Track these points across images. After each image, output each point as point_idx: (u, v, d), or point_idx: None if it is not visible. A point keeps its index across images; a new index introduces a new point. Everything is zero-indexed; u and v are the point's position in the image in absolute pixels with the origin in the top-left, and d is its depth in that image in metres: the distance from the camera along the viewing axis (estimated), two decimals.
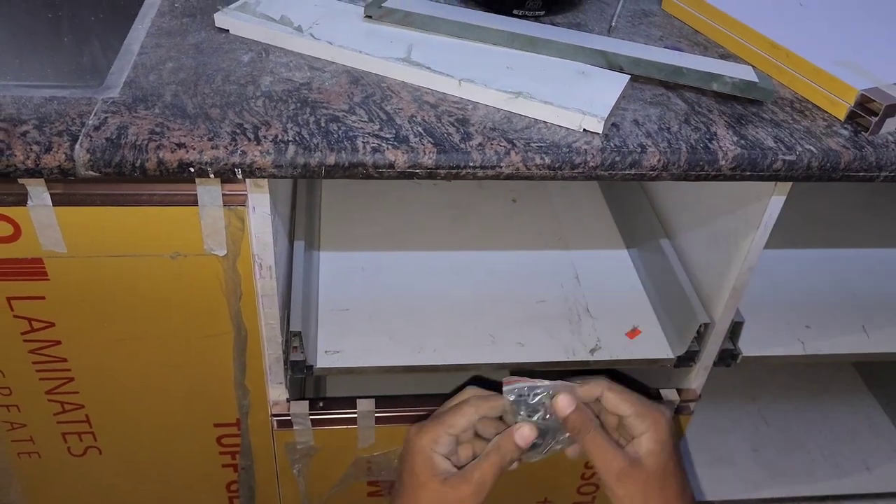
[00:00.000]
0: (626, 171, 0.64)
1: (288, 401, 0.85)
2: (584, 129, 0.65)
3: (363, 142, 0.61)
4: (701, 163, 0.65)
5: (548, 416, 0.62)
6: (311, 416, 0.85)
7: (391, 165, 0.61)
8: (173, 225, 0.66)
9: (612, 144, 0.64)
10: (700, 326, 0.85)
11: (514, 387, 0.63)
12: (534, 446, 0.62)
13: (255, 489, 0.94)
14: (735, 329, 0.87)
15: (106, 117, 0.61)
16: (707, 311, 0.85)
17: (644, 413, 0.60)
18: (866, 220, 1.16)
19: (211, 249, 0.68)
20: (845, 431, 1.25)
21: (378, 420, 0.87)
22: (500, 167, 0.62)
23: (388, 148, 0.61)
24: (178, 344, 0.76)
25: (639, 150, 0.64)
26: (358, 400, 0.86)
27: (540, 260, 1.01)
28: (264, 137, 0.61)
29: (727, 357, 0.89)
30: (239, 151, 0.59)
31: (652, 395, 0.91)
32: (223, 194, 0.65)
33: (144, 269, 0.68)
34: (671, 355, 0.89)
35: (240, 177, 0.60)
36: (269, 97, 0.66)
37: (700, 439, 1.20)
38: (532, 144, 0.63)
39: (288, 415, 0.85)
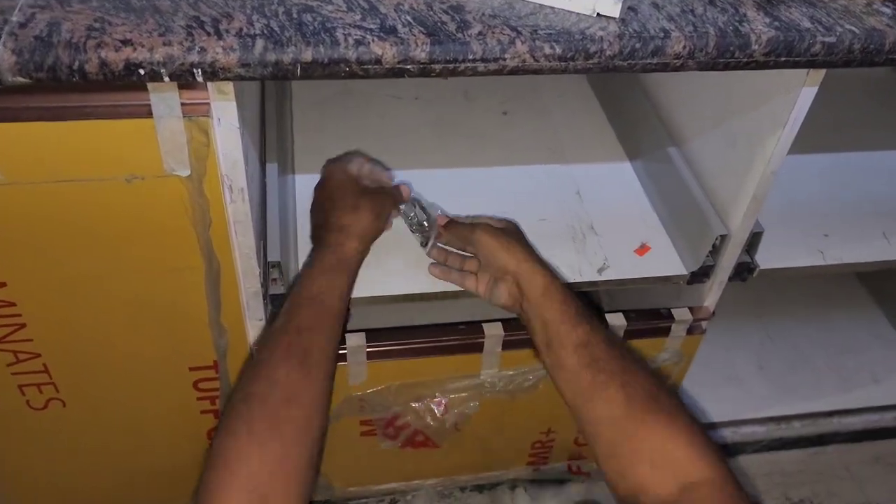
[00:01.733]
0: (648, 61, 0.57)
1: None
2: (598, 14, 0.58)
3: (344, 34, 0.53)
4: (731, 48, 0.58)
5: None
6: None
7: (378, 61, 0.53)
8: (126, 142, 0.58)
9: (630, 30, 0.57)
10: (716, 239, 0.79)
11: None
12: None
13: None
14: (754, 240, 0.82)
15: (33, 13, 0.52)
16: (723, 221, 0.80)
17: (496, 220, 0.81)
18: (888, 119, 1.10)
19: (172, 170, 0.60)
20: (852, 344, 1.23)
21: (370, 356, 0.82)
22: (505, 59, 0.55)
23: (373, 40, 0.53)
24: (142, 281, 0.68)
25: (661, 35, 0.57)
26: (347, 335, 0.80)
27: (537, 176, 0.94)
28: (226, 31, 0.52)
29: (743, 271, 0.85)
30: (197, 48, 0.51)
31: (662, 314, 0.87)
32: (182, 103, 0.57)
33: (96, 195, 0.60)
34: (684, 271, 0.84)
35: (200, 79, 0.52)
36: None
37: (705, 359, 1.16)
38: (539, 32, 0.56)
39: None
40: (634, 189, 0.94)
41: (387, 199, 0.80)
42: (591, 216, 0.89)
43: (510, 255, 0.73)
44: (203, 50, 0.51)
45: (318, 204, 0.79)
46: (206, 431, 0.87)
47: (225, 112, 0.59)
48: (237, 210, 0.66)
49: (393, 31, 0.54)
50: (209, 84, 0.57)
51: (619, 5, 0.57)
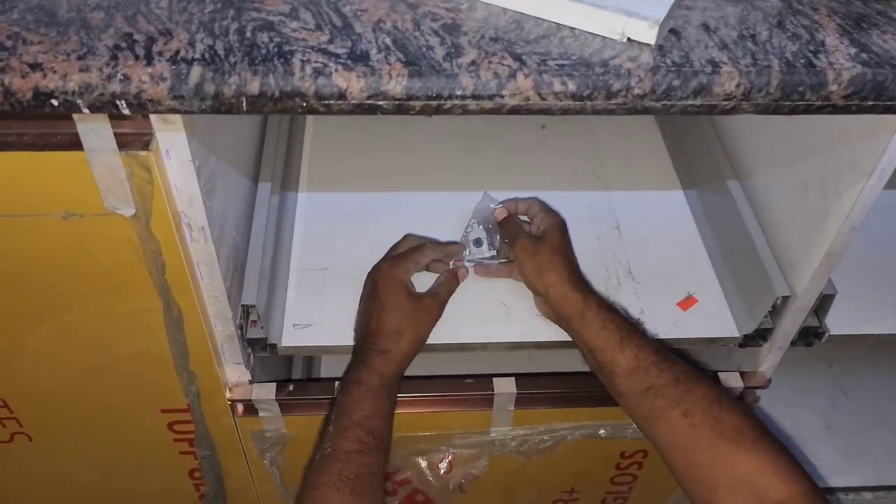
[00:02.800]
0: (690, 102, 0.45)
1: (251, 383, 0.71)
2: (629, 39, 0.46)
3: (302, 60, 0.43)
4: (801, 88, 0.45)
5: (489, 226, 0.79)
6: (280, 402, 0.71)
7: (342, 95, 0.43)
8: (58, 176, 0.50)
9: (668, 62, 0.45)
10: (776, 300, 0.66)
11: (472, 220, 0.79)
12: (479, 244, 0.78)
13: (223, 476, 0.81)
14: (823, 302, 0.69)
15: None
16: (787, 279, 0.67)
17: (547, 210, 0.76)
18: None
19: (114, 208, 0.52)
20: None
21: None
22: (503, 96, 0.44)
23: (336, 69, 0.43)
24: (99, 323, 0.61)
25: (708, 69, 0.45)
26: (337, 383, 0.71)
27: (573, 204, 0.82)
28: (159, 55, 0.43)
29: (809, 335, 0.72)
30: (120, 76, 0.42)
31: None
32: (117, 134, 0.48)
33: (31, 232, 0.53)
34: (736, 333, 0.71)
35: (126, 111, 0.43)
36: None
37: (759, 412, 1.03)
38: (550, 62, 0.44)
39: (250, 400, 0.71)
40: (686, 226, 0.81)
41: (435, 306, 0.71)
42: (630, 257, 0.77)
43: (540, 278, 0.69)
44: (126, 78, 0.42)
45: (364, 314, 0.71)
46: (188, 471, 0.80)
47: (173, 144, 0.50)
48: (200, 250, 0.57)
49: (364, 57, 0.44)
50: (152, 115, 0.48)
51: (656, 29, 0.45)
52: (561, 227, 0.73)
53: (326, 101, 0.44)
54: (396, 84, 0.43)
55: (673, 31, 0.47)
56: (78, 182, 0.50)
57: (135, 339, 0.63)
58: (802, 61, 0.46)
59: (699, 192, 0.83)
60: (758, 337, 0.71)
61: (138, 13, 0.46)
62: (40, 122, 0.49)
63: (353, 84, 0.43)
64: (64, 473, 0.79)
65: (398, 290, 0.69)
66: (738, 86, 0.45)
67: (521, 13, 0.48)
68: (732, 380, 0.74)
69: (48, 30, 0.44)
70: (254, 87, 0.43)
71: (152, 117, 0.48)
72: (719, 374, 0.74)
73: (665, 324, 0.72)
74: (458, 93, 0.44)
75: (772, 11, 0.50)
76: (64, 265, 0.56)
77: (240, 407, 0.72)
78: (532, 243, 0.71)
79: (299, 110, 0.44)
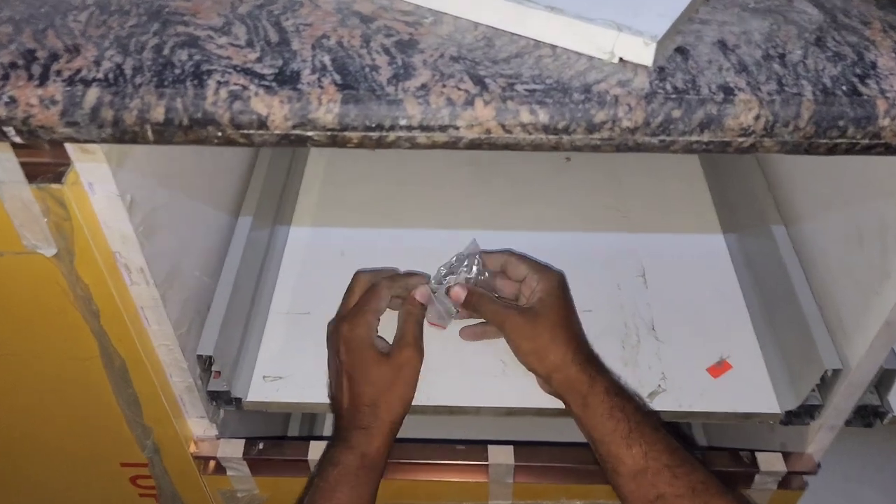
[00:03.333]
0: (693, 138, 0.36)
1: (218, 438, 0.64)
2: (621, 59, 0.37)
3: (220, 81, 0.36)
4: (841, 122, 0.36)
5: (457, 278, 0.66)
6: (249, 461, 0.64)
7: (262, 124, 0.36)
8: None
9: (669, 86, 0.36)
10: (825, 373, 0.56)
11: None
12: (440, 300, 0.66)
13: None
14: (885, 378, 0.57)
15: None
16: (839, 348, 0.56)
17: (538, 269, 0.64)
18: None
19: (34, 247, 0.46)
20: None
21: None
22: (457, 128, 0.36)
23: (257, 92, 0.36)
24: (41, 364, 0.56)
25: (720, 96, 0.36)
26: (312, 442, 0.64)
27: (592, 246, 0.73)
28: (57, 74, 0.37)
29: (868, 415, 0.60)
30: (5, 98, 0.36)
31: (742, 458, 0.63)
32: (25, 163, 0.42)
33: None
34: (777, 409, 0.60)
35: (16, 139, 0.37)
36: (103, 6, 0.42)
37: (816, 490, 0.90)
38: (518, 87, 0.36)
39: (214, 457, 0.64)
40: (723, 277, 0.71)
41: (411, 354, 0.61)
42: (655, 311, 0.67)
43: (541, 363, 0.59)
44: (12, 101, 0.36)
45: (335, 387, 0.62)
46: None
47: (96, 177, 0.44)
48: (141, 294, 0.51)
49: (293, 79, 0.37)
50: (67, 144, 0.42)
51: (653, 47, 0.36)
52: (560, 290, 0.62)
53: (245, 131, 0.37)
54: (327, 111, 0.36)
55: (679, 50, 0.38)
56: None
57: (81, 385, 0.57)
58: (844, 88, 0.36)
59: (740, 237, 0.72)
60: (803, 414, 0.60)
61: (50, 27, 0.40)
62: None
63: (275, 111, 0.36)
64: None
65: (364, 355, 0.59)
66: (757, 118, 0.36)
67: (493, 28, 0.40)
68: (774, 462, 0.63)
69: None
70: (158, 112, 0.36)
71: (67, 146, 0.42)
72: (757, 454, 0.63)
73: (691, 392, 0.62)
74: (403, 122, 0.36)
75: (809, 26, 0.40)
76: None
77: (210, 464, 0.65)
78: (526, 321, 0.60)
79: (215, 141, 0.37)
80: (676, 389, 0.62)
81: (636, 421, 0.53)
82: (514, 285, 0.65)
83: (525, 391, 0.62)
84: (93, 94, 0.36)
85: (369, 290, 0.64)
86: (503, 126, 0.36)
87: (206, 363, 0.59)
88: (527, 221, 0.76)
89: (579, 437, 0.66)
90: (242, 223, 0.66)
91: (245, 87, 0.36)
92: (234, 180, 0.69)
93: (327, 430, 0.94)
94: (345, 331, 0.61)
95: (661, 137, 0.36)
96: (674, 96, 0.36)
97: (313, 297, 0.69)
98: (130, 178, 0.46)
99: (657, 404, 0.60)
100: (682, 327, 0.66)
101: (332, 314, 0.67)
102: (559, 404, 0.61)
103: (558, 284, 0.62)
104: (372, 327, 0.62)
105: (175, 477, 0.66)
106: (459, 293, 0.64)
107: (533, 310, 0.61)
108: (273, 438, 0.66)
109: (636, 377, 0.62)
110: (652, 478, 0.52)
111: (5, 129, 0.37)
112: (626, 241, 0.74)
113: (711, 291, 0.69)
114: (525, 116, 0.36)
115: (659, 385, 0.62)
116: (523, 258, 0.65)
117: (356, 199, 0.78)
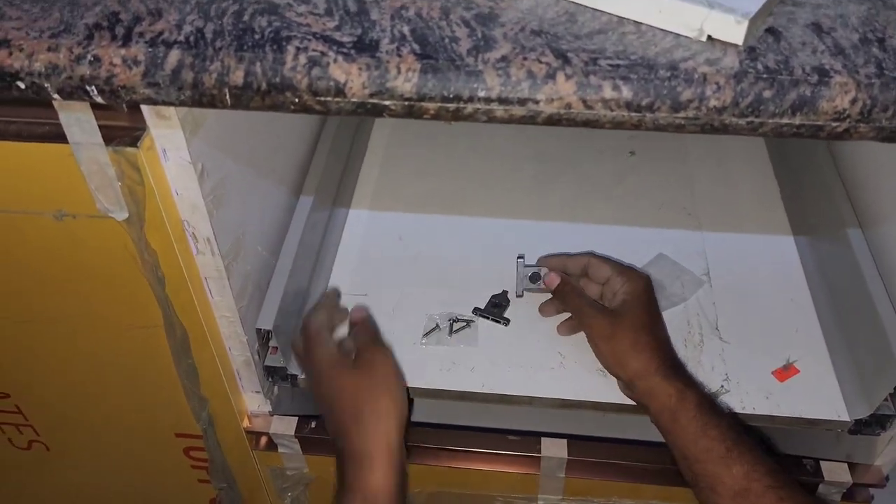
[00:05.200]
0: (784, 120, 0.35)
1: (271, 414, 0.65)
2: (709, 37, 0.36)
3: (298, 47, 0.36)
4: None
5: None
6: (301, 438, 0.64)
7: (339, 91, 0.36)
8: (47, 170, 0.45)
9: (760, 66, 0.35)
10: None
11: None
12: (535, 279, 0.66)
13: None
14: None
15: None
16: None
17: (623, 271, 0.62)
18: None
19: (106, 210, 0.46)
20: None
21: None
22: (536, 101, 0.35)
23: (336, 59, 0.36)
24: (103, 332, 0.57)
25: (814, 78, 0.34)
26: None
27: (656, 244, 0.72)
28: (139, 36, 0.37)
29: None
30: (90, 57, 0.37)
31: (805, 466, 0.61)
32: (104, 126, 0.43)
33: (22, 231, 0.49)
34: (846, 417, 0.58)
35: (98, 99, 0.38)
36: None
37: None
38: (601, 62, 0.35)
39: (267, 433, 0.64)
40: (792, 279, 0.68)
41: (379, 352, 0.58)
42: (720, 311, 0.66)
43: (623, 368, 0.57)
44: (96, 60, 0.37)
45: (323, 418, 0.58)
46: (209, 501, 0.75)
47: (171, 143, 0.44)
48: (206, 264, 0.51)
49: (373, 47, 0.36)
50: (145, 106, 0.43)
51: (745, 25, 0.35)
52: (646, 293, 0.59)
53: (322, 98, 0.36)
54: (405, 80, 0.36)
55: (770, 31, 0.37)
56: (68, 179, 0.45)
57: (140, 355, 0.58)
58: None
59: (811, 240, 0.70)
60: (874, 424, 0.57)
61: None
62: (32, 110, 0.44)
63: (353, 78, 0.36)
64: (81, 492, 0.76)
65: (331, 372, 0.55)
66: (853, 101, 0.34)
67: (575, 3, 0.39)
68: (839, 472, 0.60)
69: (32, 5, 0.40)
70: (237, 76, 0.36)
71: (144, 110, 0.42)
72: (822, 463, 0.61)
73: (755, 396, 0.60)
74: (482, 94, 0.35)
75: None
76: (59, 270, 0.51)
77: (262, 439, 0.66)
78: (608, 323, 0.58)
79: (291, 107, 0.37)
80: (740, 391, 0.60)
81: (733, 439, 0.51)
82: (597, 287, 0.63)
83: (582, 385, 0.61)
84: (174, 55, 0.37)
85: (312, 335, 0.59)
86: (584, 101, 0.35)
87: (264, 338, 0.59)
88: (590, 216, 0.74)
89: (634, 434, 0.65)
90: (303, 203, 0.66)
91: (324, 54, 0.36)
92: (296, 161, 0.69)
93: None
94: (307, 356, 0.58)
95: (750, 119, 0.35)
96: (765, 76, 0.34)
97: (371, 280, 0.69)
98: (202, 147, 0.46)
99: (721, 403, 0.59)
100: (748, 328, 0.64)
101: (388, 297, 0.68)
102: (616, 399, 0.60)
103: (644, 287, 0.60)
104: (328, 342, 0.58)
105: (227, 450, 0.67)
106: (554, 280, 0.63)
107: (615, 311, 0.59)
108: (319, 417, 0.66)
109: (698, 377, 0.60)
110: (755, 499, 0.49)
111: (88, 87, 0.37)
112: (690, 239, 0.72)
113: (779, 293, 0.67)
114: (608, 92, 0.35)
115: (722, 385, 0.60)
116: (606, 260, 0.63)
117: (416, 188, 0.78)
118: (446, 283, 0.68)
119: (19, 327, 0.57)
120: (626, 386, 0.58)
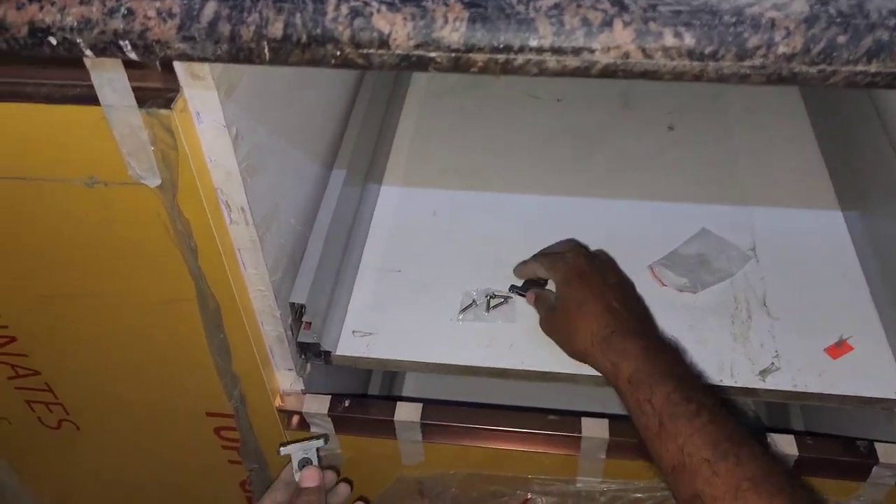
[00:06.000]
0: (859, 68, 0.33)
1: (304, 393, 0.63)
2: None
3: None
4: None
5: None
6: (334, 417, 0.63)
7: (383, 42, 0.34)
8: (77, 135, 0.44)
9: (832, 10, 0.33)
10: None
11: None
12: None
13: None
14: None
15: None
16: None
17: (550, 264, 0.62)
18: None
19: (139, 176, 0.45)
20: None
21: (426, 434, 0.63)
22: (592, 51, 0.34)
23: (379, 9, 0.34)
24: (134, 306, 0.56)
25: (892, 21, 0.32)
26: (399, 403, 0.62)
27: (700, 219, 0.69)
28: None
29: None
30: (123, 9, 0.35)
31: (859, 448, 0.59)
32: (137, 87, 0.41)
33: (52, 198, 0.48)
34: None
35: (132, 55, 0.36)
36: None
37: None
38: (661, 8, 0.33)
39: (299, 412, 0.63)
40: (843, 255, 0.66)
41: None
42: (768, 285, 0.63)
43: (573, 352, 0.57)
44: (130, 13, 0.35)
45: None
46: (239, 482, 0.74)
47: (205, 105, 0.43)
48: (240, 234, 0.50)
49: None
50: (177, 64, 0.41)
51: None
52: (572, 276, 0.59)
53: (365, 51, 0.35)
54: (453, 30, 0.34)
55: None
56: (99, 144, 0.44)
57: (171, 331, 0.57)
58: None
59: (863, 215, 0.67)
60: None
61: None
62: (60, 71, 0.43)
63: (397, 28, 0.34)
64: (111, 471, 0.76)
65: None
66: None
67: None
68: (894, 454, 0.58)
69: None
70: (276, 28, 0.35)
71: (177, 69, 0.41)
72: (876, 443, 0.58)
73: (807, 373, 0.58)
74: (533, 44, 0.34)
75: None
76: (89, 240, 0.50)
77: (294, 418, 0.65)
78: (549, 318, 0.60)
79: (332, 62, 0.36)
80: (791, 369, 0.58)
81: (668, 413, 0.48)
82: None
83: None
84: (210, 7, 0.35)
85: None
86: (643, 50, 0.33)
87: (297, 312, 0.58)
88: (629, 191, 0.72)
89: None
90: (336, 176, 0.65)
91: (367, 4, 0.35)
92: (329, 133, 0.68)
93: (408, 389, 0.92)
94: None
95: (822, 67, 0.33)
96: (838, 20, 0.32)
97: (404, 255, 0.68)
98: (236, 111, 0.45)
99: (770, 383, 0.57)
100: (798, 305, 0.62)
101: (423, 273, 0.67)
102: None
103: (568, 271, 0.60)
104: None
105: (258, 430, 0.66)
106: (530, 298, 0.64)
107: (554, 304, 0.60)
108: (357, 396, 0.65)
109: (748, 353, 0.58)
110: (690, 476, 0.46)
111: (122, 42, 0.36)
112: (735, 214, 0.70)
113: (829, 269, 0.65)
114: (668, 40, 0.33)
115: (772, 363, 0.58)
116: (536, 257, 0.64)
117: (449, 164, 0.77)
118: (481, 259, 0.67)
119: (48, 302, 0.56)
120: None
